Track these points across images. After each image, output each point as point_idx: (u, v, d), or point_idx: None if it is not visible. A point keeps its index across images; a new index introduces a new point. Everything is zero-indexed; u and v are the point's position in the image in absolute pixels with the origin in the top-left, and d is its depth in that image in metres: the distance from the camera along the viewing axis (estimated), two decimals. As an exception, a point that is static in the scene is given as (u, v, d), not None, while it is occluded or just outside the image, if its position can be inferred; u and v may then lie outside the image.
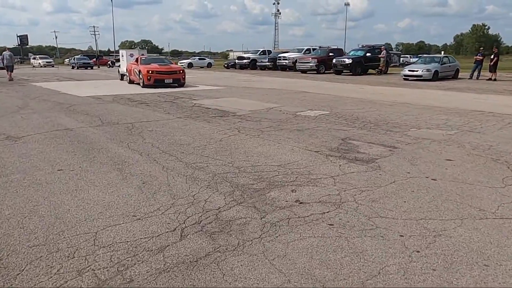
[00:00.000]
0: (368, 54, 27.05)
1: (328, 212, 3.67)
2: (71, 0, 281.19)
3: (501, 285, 2.55)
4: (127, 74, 19.59)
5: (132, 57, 20.60)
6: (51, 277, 2.62)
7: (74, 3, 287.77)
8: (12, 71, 22.58)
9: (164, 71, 16.94)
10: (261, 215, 3.62)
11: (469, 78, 22.66)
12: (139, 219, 3.53)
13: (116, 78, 25.04)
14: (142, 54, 20.65)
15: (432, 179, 4.58)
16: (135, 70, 17.79)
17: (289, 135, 7.06)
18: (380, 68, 27.08)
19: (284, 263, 2.79)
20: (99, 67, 47.03)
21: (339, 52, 30.49)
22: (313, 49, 33.09)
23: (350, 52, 29.53)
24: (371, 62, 27.19)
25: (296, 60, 30.75)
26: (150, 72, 16.46)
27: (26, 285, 2.54)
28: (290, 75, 26.99)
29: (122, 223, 3.44)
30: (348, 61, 26.60)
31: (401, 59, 46.84)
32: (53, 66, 49.63)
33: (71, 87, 18.04)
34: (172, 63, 20.11)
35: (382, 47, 28.06)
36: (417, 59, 53.12)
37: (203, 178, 4.65)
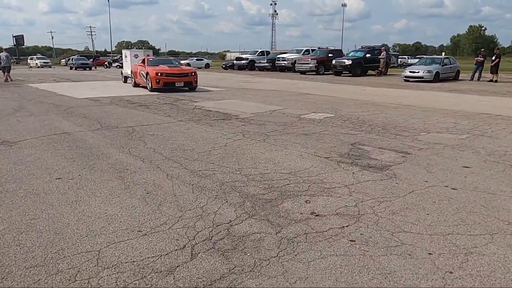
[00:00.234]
0: (367, 55, 26.85)
1: (347, 226, 3.43)
2: (67, 0, 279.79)
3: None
4: (132, 77, 18.16)
5: (137, 58, 19.28)
6: (51, 305, 2.36)
7: (70, 3, 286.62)
8: (9, 72, 22.34)
9: (175, 73, 15.52)
10: (276, 229, 3.37)
11: (470, 80, 22.52)
12: (145, 234, 3.27)
13: (113, 79, 24.74)
14: (148, 55, 19.10)
15: (452, 188, 4.35)
16: (142, 72, 16.42)
17: (296, 139, 6.81)
18: (380, 69, 26.90)
19: None
20: (96, 68, 46.57)
21: (338, 53, 30.28)
22: (312, 50, 32.93)
23: (349, 53, 29.37)
24: (370, 63, 27.00)
25: (295, 61, 30.54)
26: (159, 74, 15.04)
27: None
28: (289, 76, 26.77)
29: (127, 239, 3.18)
30: (347, 62, 26.41)
31: (399, 60, 46.82)
32: (50, 67, 49.16)
33: (68, 88, 17.73)
34: (182, 65, 18.65)
35: (382, 48, 27.90)
36: (416, 60, 53.42)
37: (211, 187, 4.39)
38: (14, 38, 70.79)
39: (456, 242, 3.13)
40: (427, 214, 3.68)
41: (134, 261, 2.84)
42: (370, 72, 27.57)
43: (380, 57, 26.86)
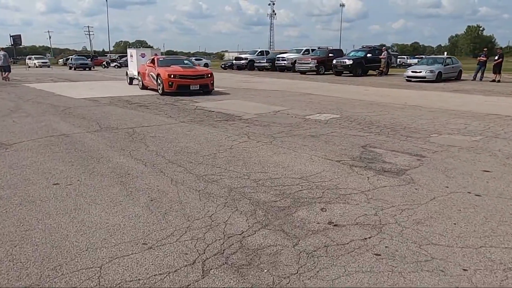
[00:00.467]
0: (368, 55, 26.59)
1: (370, 237, 3.16)
2: (65, 0, 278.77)
3: None
4: (140, 78, 16.40)
5: (143, 57, 17.75)
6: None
7: (68, 3, 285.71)
8: (9, 71, 22.16)
9: (190, 75, 13.80)
10: (292, 241, 3.10)
11: (472, 79, 22.30)
12: (151, 248, 2.99)
13: (112, 79, 24.44)
14: (155, 54, 17.33)
15: (476, 195, 4.09)
16: (151, 73, 14.68)
17: (303, 141, 6.55)
18: (380, 69, 26.66)
19: (335, 311, 2.27)
20: (94, 68, 46.16)
21: (339, 53, 30.04)
22: (312, 50, 32.66)
23: (350, 53, 29.08)
24: (371, 63, 26.75)
25: (295, 61, 30.26)
26: (172, 76, 13.36)
27: None
28: (289, 76, 26.49)
29: (131, 253, 2.91)
30: (348, 62, 26.15)
31: (398, 60, 46.63)
32: (48, 67, 48.72)
33: (65, 88, 17.42)
34: (196, 65, 16.70)
35: (383, 47, 27.67)
36: (415, 60, 53.23)
37: (219, 194, 4.12)
38: (11, 38, 70.33)
39: (491, 256, 2.86)
40: (454, 224, 3.41)
41: (139, 279, 2.57)
42: (370, 72, 27.32)
43: (381, 57, 26.61)
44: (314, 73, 28.19)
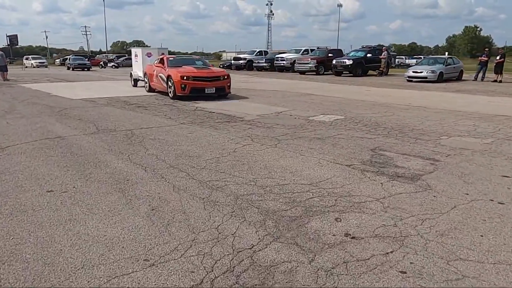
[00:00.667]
0: (368, 55, 26.38)
1: (392, 252, 2.90)
2: (61, 0, 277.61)
3: None
4: (147, 80, 15.01)
5: (149, 57, 16.52)
6: None
7: (64, 3, 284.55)
8: (7, 71, 21.91)
9: (204, 76, 12.40)
10: (308, 256, 2.84)
11: (473, 80, 22.11)
12: (153, 265, 2.72)
13: (109, 79, 24.14)
14: (163, 54, 16.00)
15: (499, 203, 3.84)
16: (161, 75, 13.32)
17: (310, 144, 6.28)
18: (381, 69, 26.45)
19: None
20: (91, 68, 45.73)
21: (338, 53, 29.81)
22: (311, 50, 32.43)
23: (350, 52, 28.87)
24: (371, 63, 26.54)
25: (294, 61, 30.03)
26: (185, 78, 12.00)
27: None
28: (289, 76, 26.24)
29: (132, 271, 2.64)
30: (348, 62, 25.92)
31: (397, 60, 46.47)
32: (46, 67, 48.27)
33: (62, 88, 17.10)
34: (211, 65, 15.21)
35: (383, 47, 27.46)
36: (413, 60, 53.09)
37: (224, 202, 3.85)
38: (8, 38, 69.85)
39: (527, 274, 2.60)
40: (481, 236, 3.15)
41: (141, 303, 2.30)
42: (370, 72, 27.10)
43: (381, 57, 26.41)
44: (314, 73, 27.95)
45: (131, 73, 18.10)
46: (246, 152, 5.78)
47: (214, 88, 12.38)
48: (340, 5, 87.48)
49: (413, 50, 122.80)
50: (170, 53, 17.84)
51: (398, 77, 24.49)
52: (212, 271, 2.65)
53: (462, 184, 4.36)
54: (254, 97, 13.64)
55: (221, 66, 41.72)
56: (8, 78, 21.82)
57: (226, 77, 12.82)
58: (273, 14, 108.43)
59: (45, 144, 6.31)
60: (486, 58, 22.03)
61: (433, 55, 66.16)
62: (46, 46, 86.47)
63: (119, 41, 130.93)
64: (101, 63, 48.59)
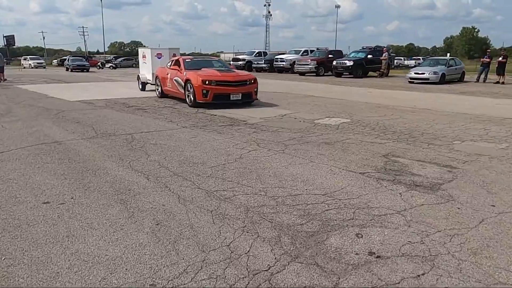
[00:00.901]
0: (369, 56, 26.17)
1: (423, 274, 2.63)
2: (59, 0, 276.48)
3: None
4: (158, 84, 13.38)
5: (160, 58, 15.03)
6: None
7: (62, 3, 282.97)
8: (3, 72, 21.57)
9: (229, 81, 10.78)
10: (331, 280, 2.57)
11: (475, 81, 21.93)
12: (161, 291, 2.44)
13: (107, 80, 23.83)
14: (174, 54, 14.77)
15: (530, 216, 3.57)
16: (176, 79, 11.67)
17: (319, 150, 6.02)
18: (381, 70, 26.25)
19: None
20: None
21: (338, 54, 29.60)
22: (311, 51, 32.22)
23: (350, 53, 28.65)
24: (372, 64, 26.33)
25: (294, 62, 29.80)
26: (207, 82, 10.38)
27: None
28: (289, 78, 25.99)
29: (137, 299, 2.35)
30: (349, 63, 25.70)
31: (395, 61, 46.30)
32: (44, 68, 47.86)
33: (59, 90, 16.79)
34: (232, 67, 13.87)
35: (384, 48, 27.27)
36: (412, 61, 52.94)
37: (234, 215, 3.58)
38: (4, 38, 69.30)
39: None
40: (518, 254, 2.89)
41: None
42: (370, 73, 26.87)
43: (382, 58, 26.22)
44: (314, 74, 27.72)
45: (138, 76, 16.52)
46: (253, 158, 5.50)
47: (240, 94, 10.78)
48: (338, 6, 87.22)
49: (410, 51, 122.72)
50: (181, 54, 16.20)
51: (399, 79, 24.30)
52: (227, 298, 2.37)
53: (486, 195, 4.10)
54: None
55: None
56: (5, 78, 21.51)
57: (253, 81, 11.20)
58: (271, 15, 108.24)
59: (41, 149, 6.02)
60: (488, 59, 21.86)
61: (431, 56, 66.04)
62: (43, 46, 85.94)
63: (116, 42, 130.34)
64: (98, 64, 48.18)
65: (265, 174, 4.80)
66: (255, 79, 11.30)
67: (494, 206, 3.81)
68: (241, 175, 4.76)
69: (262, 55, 36.60)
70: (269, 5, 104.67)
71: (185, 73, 11.25)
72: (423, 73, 20.68)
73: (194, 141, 6.63)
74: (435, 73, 20.36)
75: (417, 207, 3.78)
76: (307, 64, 28.03)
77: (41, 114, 9.69)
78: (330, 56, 28.22)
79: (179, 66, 11.81)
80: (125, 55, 70.66)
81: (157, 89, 13.57)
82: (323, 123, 8.55)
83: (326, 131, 7.55)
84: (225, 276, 2.60)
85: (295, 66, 29.17)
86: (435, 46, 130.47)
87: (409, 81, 21.34)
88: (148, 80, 15.38)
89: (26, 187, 4.32)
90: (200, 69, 11.39)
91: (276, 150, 6.01)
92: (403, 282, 2.55)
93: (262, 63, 34.28)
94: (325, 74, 27.80)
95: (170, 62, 12.84)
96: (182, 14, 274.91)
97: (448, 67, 21.31)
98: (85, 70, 37.65)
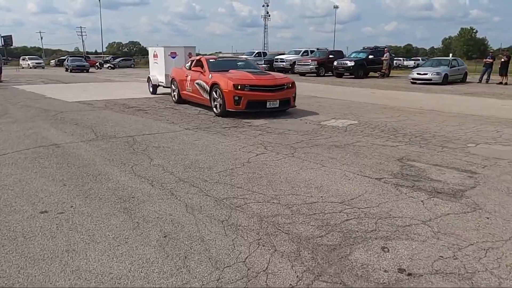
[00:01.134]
0: (370, 56, 25.95)
1: (463, 295, 2.37)
2: (57, 0, 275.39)
3: None
4: (174, 88, 11.82)
5: (174, 57, 13.43)
6: None
7: (60, 3, 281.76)
8: (1, 73, 21.25)
9: (266, 85, 9.10)
10: (362, 302, 2.30)
11: (478, 82, 21.74)
12: (173, 316, 2.17)
13: (105, 81, 23.52)
14: (190, 54, 13.54)
15: None
16: (199, 82, 10.03)
17: (329, 153, 5.76)
18: (383, 71, 26.03)
19: None
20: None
21: (339, 54, 29.37)
22: (311, 51, 31.98)
23: (351, 54, 28.41)
24: (373, 64, 26.10)
25: (294, 62, 29.55)
26: (239, 87, 8.76)
27: None
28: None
29: (147, 326, 2.08)
30: (350, 63, 25.46)
31: (395, 61, 46.13)
32: (43, 68, 47.50)
33: (57, 90, 16.49)
34: (267, 71, 12.01)
35: (385, 49, 27.02)
36: (411, 62, 52.79)
37: (248, 226, 3.31)
38: (2, 38, 68.87)
39: None
40: None
41: None
42: (371, 74, 26.64)
43: (383, 58, 25.98)
44: (314, 75, 27.48)
45: (149, 78, 14.79)
46: (261, 163, 5.24)
47: (277, 101, 9.17)
48: (336, 7, 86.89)
49: (408, 52, 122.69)
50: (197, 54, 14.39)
51: (400, 79, 24.10)
52: (248, 325, 2.11)
53: (514, 203, 3.85)
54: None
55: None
56: (1, 80, 21.19)
57: (291, 85, 9.60)
58: (269, 16, 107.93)
59: (39, 153, 5.74)
60: (491, 60, 21.68)
61: (429, 56, 65.87)
62: (41, 46, 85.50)
63: (114, 42, 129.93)
64: (97, 64, 47.85)
65: (276, 179, 4.54)
66: (293, 83, 9.71)
67: (525, 215, 3.55)
68: (251, 180, 4.49)
69: (262, 56, 36.31)
70: (267, 5, 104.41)
71: (210, 75, 9.59)
72: (426, 74, 20.47)
73: (198, 143, 6.36)
74: (438, 73, 20.15)
75: (442, 217, 3.52)
76: (308, 65, 27.78)
77: (39, 115, 9.40)
78: (330, 56, 27.98)
79: (202, 67, 10.22)
80: (123, 56, 70.40)
81: (174, 93, 11.97)
82: (330, 124, 8.29)
83: (334, 133, 7.29)
84: (244, 298, 2.34)
85: (295, 66, 28.90)
86: (433, 47, 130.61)
87: (411, 82, 21.13)
88: (161, 82, 13.95)
89: (22, 194, 4.05)
90: (228, 71, 9.82)
91: (285, 153, 5.75)
92: (442, 305, 2.29)
93: (262, 64, 33.95)
94: (325, 74, 27.56)
95: (190, 63, 11.26)
96: (180, 14, 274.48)
97: (450, 67, 21.11)
98: (85, 71, 36.82)
